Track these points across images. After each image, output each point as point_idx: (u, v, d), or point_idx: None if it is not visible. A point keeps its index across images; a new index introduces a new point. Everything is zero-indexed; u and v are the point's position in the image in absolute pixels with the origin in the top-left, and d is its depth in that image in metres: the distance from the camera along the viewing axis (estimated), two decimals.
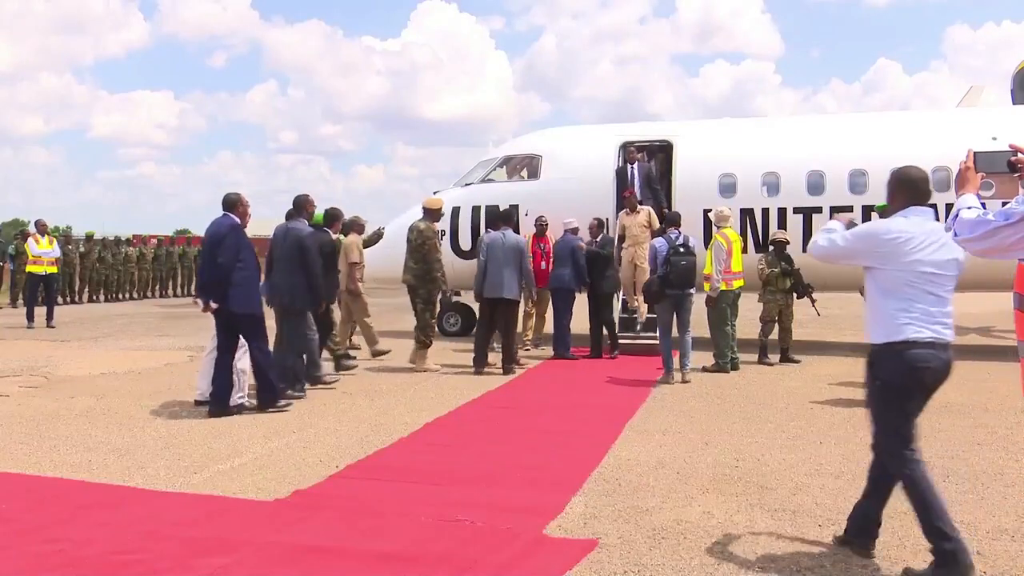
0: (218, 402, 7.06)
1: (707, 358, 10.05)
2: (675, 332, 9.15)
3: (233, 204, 7.33)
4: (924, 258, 3.55)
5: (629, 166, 11.96)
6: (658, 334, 9.45)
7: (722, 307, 9.71)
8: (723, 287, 9.67)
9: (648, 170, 12.01)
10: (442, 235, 11.40)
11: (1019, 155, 2.81)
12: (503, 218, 10.05)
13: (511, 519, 4.31)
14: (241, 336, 7.20)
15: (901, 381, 3.59)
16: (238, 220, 7.25)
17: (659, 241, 9.28)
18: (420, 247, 9.53)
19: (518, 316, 10.16)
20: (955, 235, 2.73)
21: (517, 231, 10.52)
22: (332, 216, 9.33)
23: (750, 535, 4.14)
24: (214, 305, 7.01)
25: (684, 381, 8.86)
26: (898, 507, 4.56)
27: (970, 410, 7.38)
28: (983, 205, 2.76)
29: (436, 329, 10.28)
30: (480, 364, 9.49)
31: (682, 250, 8.94)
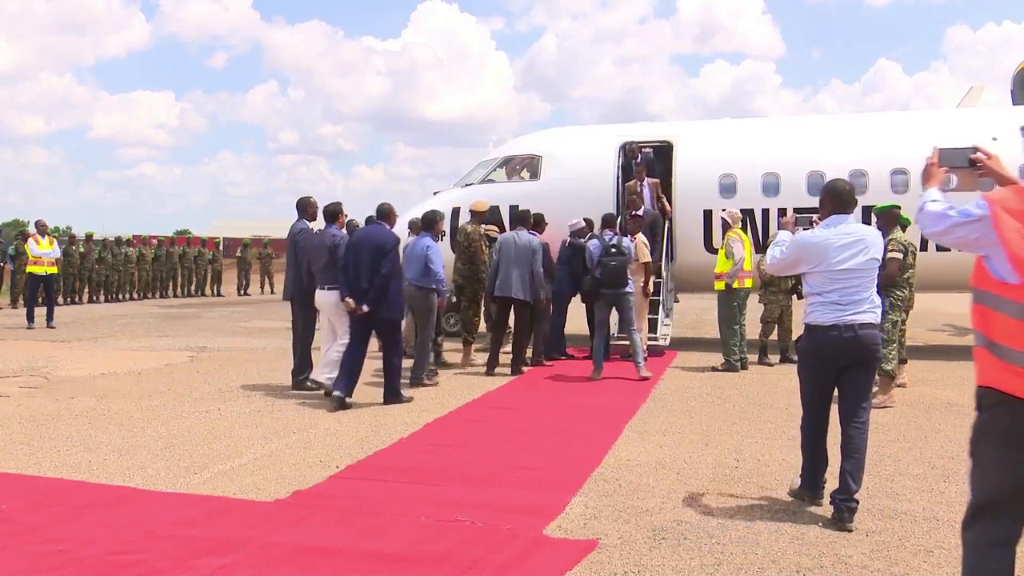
0: (347, 387, 7.47)
1: (715, 358, 10.07)
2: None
3: (387, 214, 8.05)
4: (842, 260, 4.36)
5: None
6: (594, 332, 9.53)
7: (733, 305, 9.76)
8: (736, 285, 9.73)
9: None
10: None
11: (979, 153, 2.97)
12: (519, 219, 10.09)
13: (511, 519, 4.31)
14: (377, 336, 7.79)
15: (808, 354, 4.55)
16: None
17: (593, 243, 9.50)
18: (467, 249, 9.97)
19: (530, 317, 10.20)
20: (922, 228, 2.86)
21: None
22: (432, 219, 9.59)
23: (750, 535, 4.14)
24: (365, 309, 7.42)
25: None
26: (898, 508, 4.57)
27: (970, 410, 7.32)
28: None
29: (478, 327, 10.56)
30: (492, 366, 9.53)
31: (613, 251, 9.12)
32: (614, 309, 9.42)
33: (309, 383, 8.38)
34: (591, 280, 9.34)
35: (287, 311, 8.88)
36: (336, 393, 7.44)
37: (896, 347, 7.84)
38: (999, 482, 2.59)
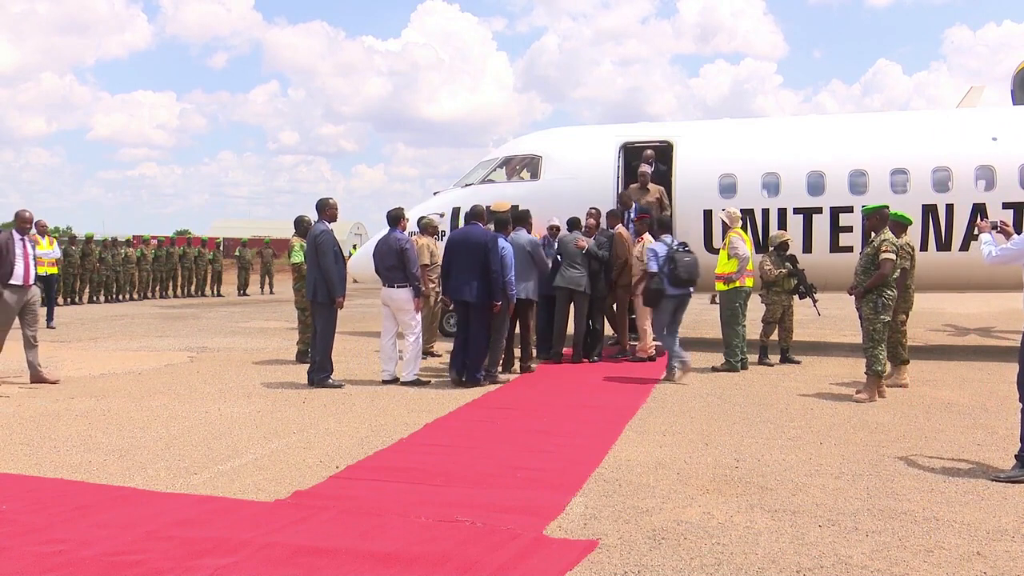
0: (476, 373, 8.60)
1: (715, 358, 10.06)
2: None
3: (480, 215, 8.91)
4: None
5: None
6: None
7: (735, 305, 9.76)
8: (736, 284, 9.72)
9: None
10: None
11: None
12: (518, 219, 10.06)
13: (511, 519, 4.31)
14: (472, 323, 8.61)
15: None
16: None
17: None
18: None
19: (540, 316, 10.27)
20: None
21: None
22: (503, 220, 9.67)
23: (750, 535, 4.13)
24: (499, 302, 8.54)
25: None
26: (898, 508, 4.57)
27: (970, 410, 7.38)
28: None
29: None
30: (516, 365, 9.56)
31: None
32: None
33: (331, 381, 8.54)
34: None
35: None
36: (503, 377, 8.85)
37: (885, 347, 7.88)
38: None
